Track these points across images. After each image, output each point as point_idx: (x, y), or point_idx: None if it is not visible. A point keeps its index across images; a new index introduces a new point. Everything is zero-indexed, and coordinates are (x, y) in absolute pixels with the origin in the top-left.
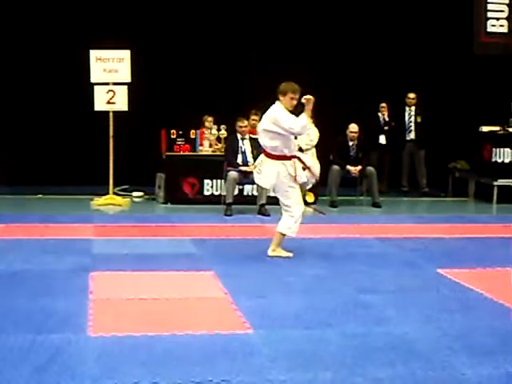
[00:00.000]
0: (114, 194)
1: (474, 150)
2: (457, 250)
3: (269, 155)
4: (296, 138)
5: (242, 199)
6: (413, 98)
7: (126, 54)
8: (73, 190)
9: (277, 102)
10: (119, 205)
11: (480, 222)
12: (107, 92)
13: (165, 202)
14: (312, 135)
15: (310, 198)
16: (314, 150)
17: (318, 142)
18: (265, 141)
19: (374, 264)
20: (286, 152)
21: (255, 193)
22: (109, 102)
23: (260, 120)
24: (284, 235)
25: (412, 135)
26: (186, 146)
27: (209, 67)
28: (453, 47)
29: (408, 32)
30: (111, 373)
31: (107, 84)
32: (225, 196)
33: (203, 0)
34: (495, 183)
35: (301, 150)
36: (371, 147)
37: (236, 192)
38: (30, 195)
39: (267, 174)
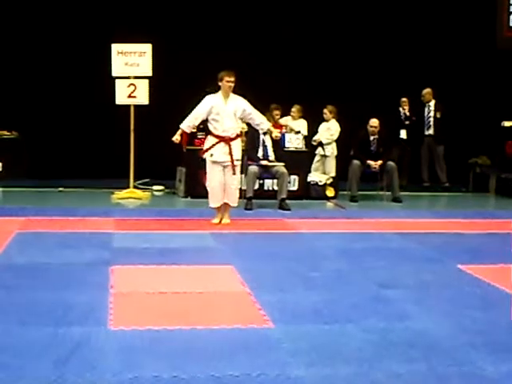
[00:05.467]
0: (135, 187)
1: (495, 145)
2: (478, 245)
3: None
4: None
5: (262, 193)
6: (423, 95)
7: (147, 48)
8: (93, 184)
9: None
10: (140, 198)
11: (501, 218)
12: (128, 86)
13: (185, 196)
14: (333, 129)
15: (331, 192)
16: (334, 144)
17: (338, 137)
18: None
19: (395, 259)
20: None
21: (275, 187)
22: (130, 96)
23: (281, 114)
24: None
25: (431, 131)
26: None
27: (228, 60)
28: (475, 42)
29: (431, 26)
30: (131, 366)
31: (128, 78)
32: (245, 190)
33: None
34: None
35: (321, 144)
36: (392, 142)
37: (256, 186)
38: (50, 188)
39: None
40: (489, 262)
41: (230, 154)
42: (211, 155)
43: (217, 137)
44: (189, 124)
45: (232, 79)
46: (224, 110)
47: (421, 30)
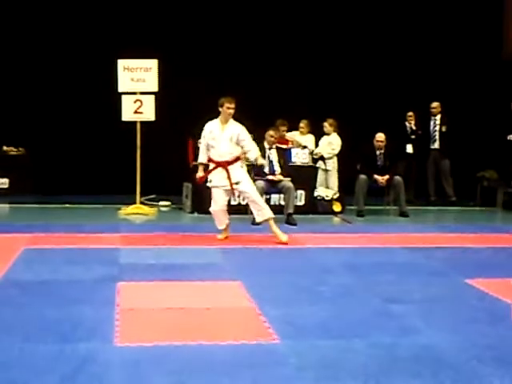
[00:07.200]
0: (141, 203)
1: (502, 159)
2: (485, 259)
3: None
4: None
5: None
6: (434, 107)
7: (153, 64)
8: (100, 200)
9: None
10: (146, 214)
11: (508, 232)
12: (134, 102)
13: (192, 212)
14: (334, 144)
15: (338, 207)
16: (335, 158)
17: (341, 151)
18: None
19: (402, 274)
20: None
21: (282, 202)
22: (136, 112)
23: (287, 130)
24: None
25: (436, 145)
26: None
27: (235, 76)
28: (481, 55)
29: (436, 40)
30: (137, 383)
31: (134, 93)
32: None
33: (230, 10)
34: None
35: (323, 158)
36: (398, 156)
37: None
38: (56, 204)
39: None
40: (496, 275)
41: (229, 177)
42: (210, 181)
43: (214, 162)
44: (203, 156)
45: (232, 106)
46: (220, 136)
47: (427, 44)
